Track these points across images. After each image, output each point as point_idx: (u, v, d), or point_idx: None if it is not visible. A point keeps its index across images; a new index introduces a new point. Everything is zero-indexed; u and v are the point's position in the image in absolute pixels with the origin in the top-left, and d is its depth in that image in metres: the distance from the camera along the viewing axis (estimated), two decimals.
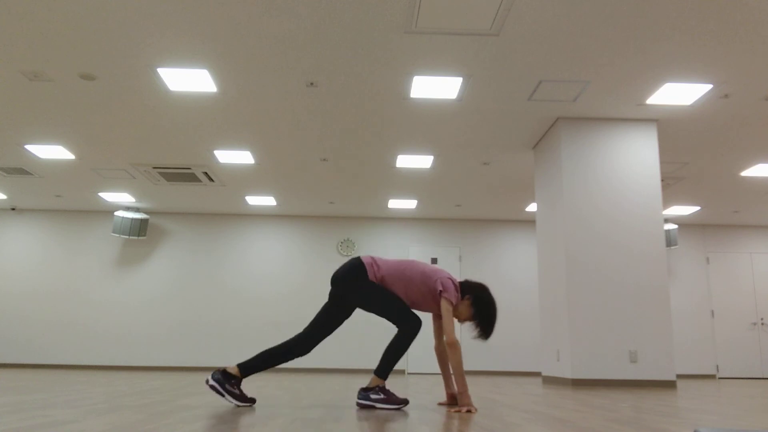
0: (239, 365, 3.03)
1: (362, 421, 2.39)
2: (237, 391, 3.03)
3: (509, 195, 9.61)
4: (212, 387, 3.00)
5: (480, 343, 10.68)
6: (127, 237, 10.63)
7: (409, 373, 10.34)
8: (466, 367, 10.59)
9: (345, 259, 10.93)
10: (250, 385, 5.07)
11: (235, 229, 11.01)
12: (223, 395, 2.98)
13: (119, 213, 10.34)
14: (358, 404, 3.05)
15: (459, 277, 10.95)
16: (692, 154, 7.60)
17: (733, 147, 7.33)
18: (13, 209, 10.97)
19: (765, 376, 10.80)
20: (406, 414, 2.72)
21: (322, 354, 10.53)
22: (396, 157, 7.88)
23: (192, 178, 8.86)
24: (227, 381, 2.99)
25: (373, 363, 10.45)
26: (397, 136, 7.14)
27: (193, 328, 10.57)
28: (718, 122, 6.60)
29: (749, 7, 4.46)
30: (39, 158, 8.10)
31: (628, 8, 4.53)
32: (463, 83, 5.77)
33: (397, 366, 10.51)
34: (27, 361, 10.40)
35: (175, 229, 10.98)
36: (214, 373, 3.02)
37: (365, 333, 10.53)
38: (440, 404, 3.30)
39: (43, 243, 10.86)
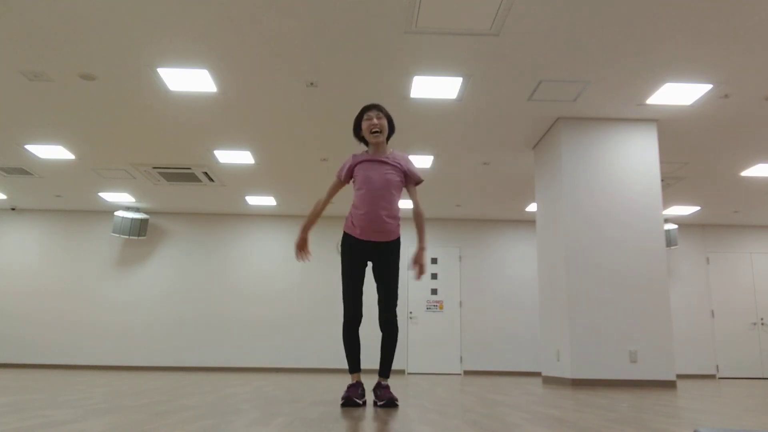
0: (382, 374, 3.27)
1: (362, 420, 2.39)
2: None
3: (509, 195, 9.61)
4: (393, 401, 3.13)
5: (480, 344, 10.68)
6: (127, 237, 10.63)
7: (409, 373, 10.35)
8: (468, 367, 10.59)
9: None
10: (248, 387, 5.07)
11: (235, 229, 11.02)
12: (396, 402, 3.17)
13: (119, 213, 10.33)
14: (382, 403, 3.14)
15: (458, 279, 10.96)
16: (692, 154, 7.60)
17: (733, 147, 7.33)
18: (13, 209, 10.97)
19: (765, 376, 10.80)
20: (406, 414, 2.71)
21: (321, 354, 10.53)
22: None
23: (192, 178, 8.86)
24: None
25: (373, 363, 10.46)
26: (397, 136, 7.14)
27: (193, 328, 10.57)
28: (718, 122, 6.60)
29: (749, 7, 4.46)
30: (39, 158, 8.10)
31: (628, 8, 4.53)
32: (463, 83, 5.77)
33: (397, 366, 10.51)
34: (27, 361, 10.40)
35: (175, 229, 10.98)
36: (385, 396, 3.14)
37: (364, 333, 10.53)
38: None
39: (43, 243, 10.86)
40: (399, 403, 3.27)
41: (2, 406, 2.74)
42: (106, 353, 10.46)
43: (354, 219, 3.28)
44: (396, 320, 3.27)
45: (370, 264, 3.87)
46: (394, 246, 3.32)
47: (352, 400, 3.11)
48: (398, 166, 3.33)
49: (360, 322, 3.25)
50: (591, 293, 6.23)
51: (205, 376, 7.20)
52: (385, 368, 3.27)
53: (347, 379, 6.80)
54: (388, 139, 3.43)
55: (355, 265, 3.28)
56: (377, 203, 3.23)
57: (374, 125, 3.29)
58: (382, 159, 3.32)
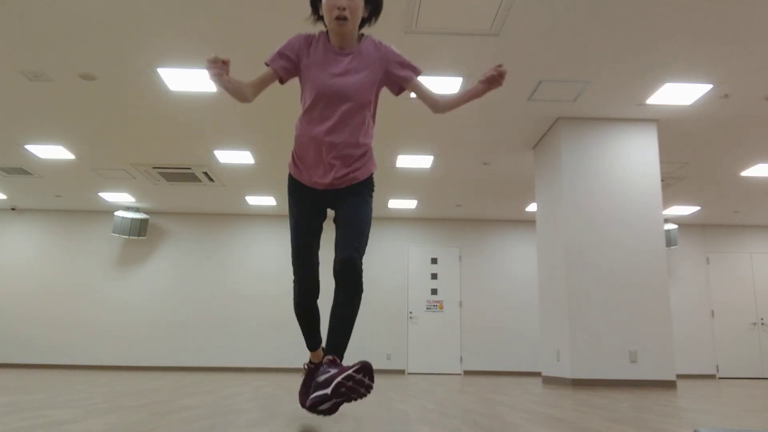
0: (331, 349, 2.13)
1: (363, 421, 2.39)
2: None
3: (509, 195, 9.61)
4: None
5: (480, 344, 10.68)
6: (127, 237, 10.62)
7: (409, 373, 10.34)
8: (468, 367, 10.59)
9: None
10: (247, 387, 5.07)
11: (235, 229, 11.01)
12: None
13: (119, 213, 10.33)
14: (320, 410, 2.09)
15: (458, 279, 10.96)
16: (692, 154, 7.60)
17: (733, 147, 7.33)
18: (13, 209, 10.97)
19: (765, 376, 10.80)
20: (406, 414, 2.71)
21: None
22: (396, 157, 7.88)
23: (192, 178, 8.86)
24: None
25: (370, 360, 10.46)
26: (397, 136, 7.14)
27: (193, 328, 10.57)
28: (718, 122, 6.60)
29: (749, 7, 4.46)
30: (39, 158, 8.10)
31: (627, 8, 4.53)
32: (463, 83, 5.77)
33: (397, 366, 10.51)
34: (28, 361, 10.40)
35: (175, 229, 10.98)
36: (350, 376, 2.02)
37: (362, 333, 10.54)
38: None
39: (43, 243, 10.86)
40: (374, 392, 2.91)
41: (2, 406, 2.74)
42: (106, 353, 10.46)
43: (297, 153, 2.22)
44: (360, 267, 2.09)
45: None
46: (363, 186, 2.25)
47: (316, 408, 2.03)
48: (375, 61, 2.17)
49: (317, 295, 2.28)
50: (591, 293, 6.23)
51: (205, 376, 7.20)
52: (338, 340, 2.07)
53: None
54: (369, 22, 2.22)
55: (306, 218, 2.26)
56: (333, 128, 2.13)
57: (341, 10, 2.05)
58: (347, 53, 2.16)
